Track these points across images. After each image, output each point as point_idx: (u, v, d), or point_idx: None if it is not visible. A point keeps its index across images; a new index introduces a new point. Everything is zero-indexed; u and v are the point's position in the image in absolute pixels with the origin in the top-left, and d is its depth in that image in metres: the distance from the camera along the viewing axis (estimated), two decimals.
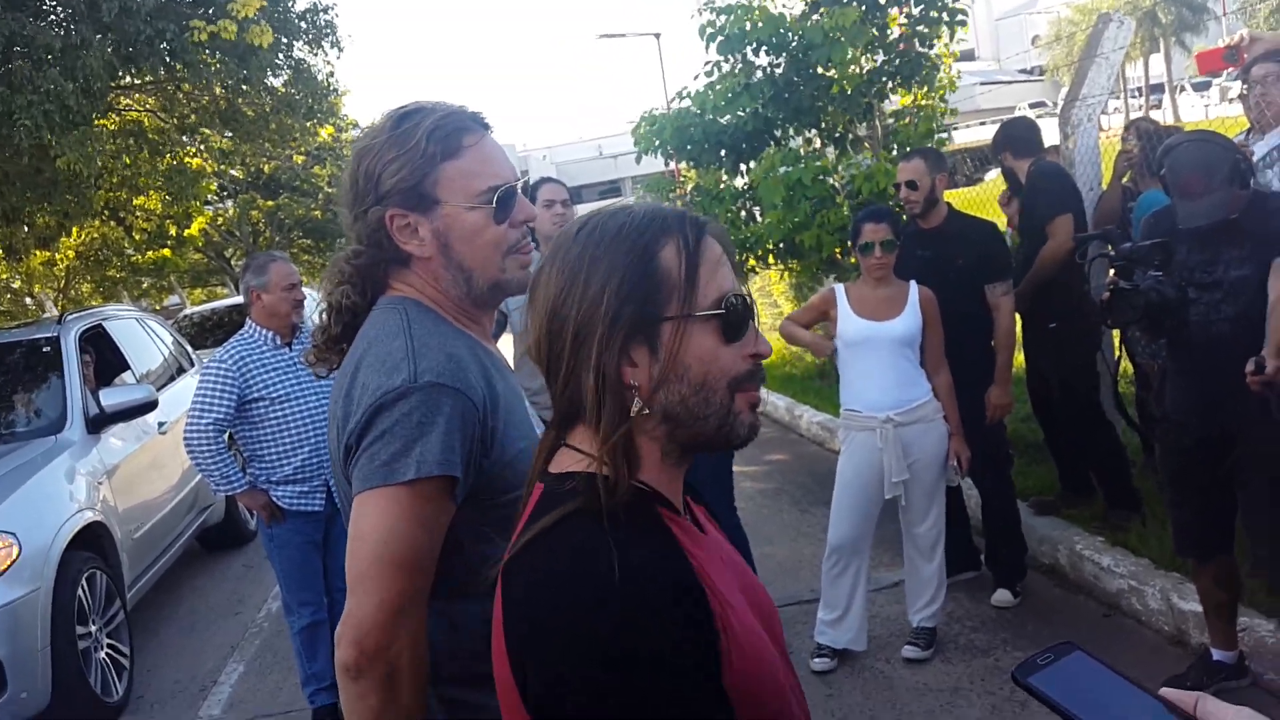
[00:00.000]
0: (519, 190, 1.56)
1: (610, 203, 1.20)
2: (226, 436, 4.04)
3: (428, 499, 1.38)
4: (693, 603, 1.00)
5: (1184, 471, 3.19)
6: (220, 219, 22.14)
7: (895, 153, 6.75)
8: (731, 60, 7.32)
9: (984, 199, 10.11)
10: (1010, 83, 45.32)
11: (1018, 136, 4.79)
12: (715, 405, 1.10)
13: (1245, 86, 3.82)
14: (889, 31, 6.96)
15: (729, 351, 1.10)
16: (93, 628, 4.63)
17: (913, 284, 3.89)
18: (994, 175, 20.23)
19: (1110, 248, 3.51)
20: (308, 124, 13.29)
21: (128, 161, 10.67)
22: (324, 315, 1.59)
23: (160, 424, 6.18)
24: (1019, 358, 4.96)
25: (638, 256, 1.09)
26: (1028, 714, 3.41)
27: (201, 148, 13.41)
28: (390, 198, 1.50)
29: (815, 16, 6.84)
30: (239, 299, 14.48)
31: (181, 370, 7.36)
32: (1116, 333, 4.75)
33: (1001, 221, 5.45)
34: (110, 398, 5.54)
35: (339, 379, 1.52)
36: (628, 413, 1.09)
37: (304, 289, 4.27)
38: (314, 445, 4.02)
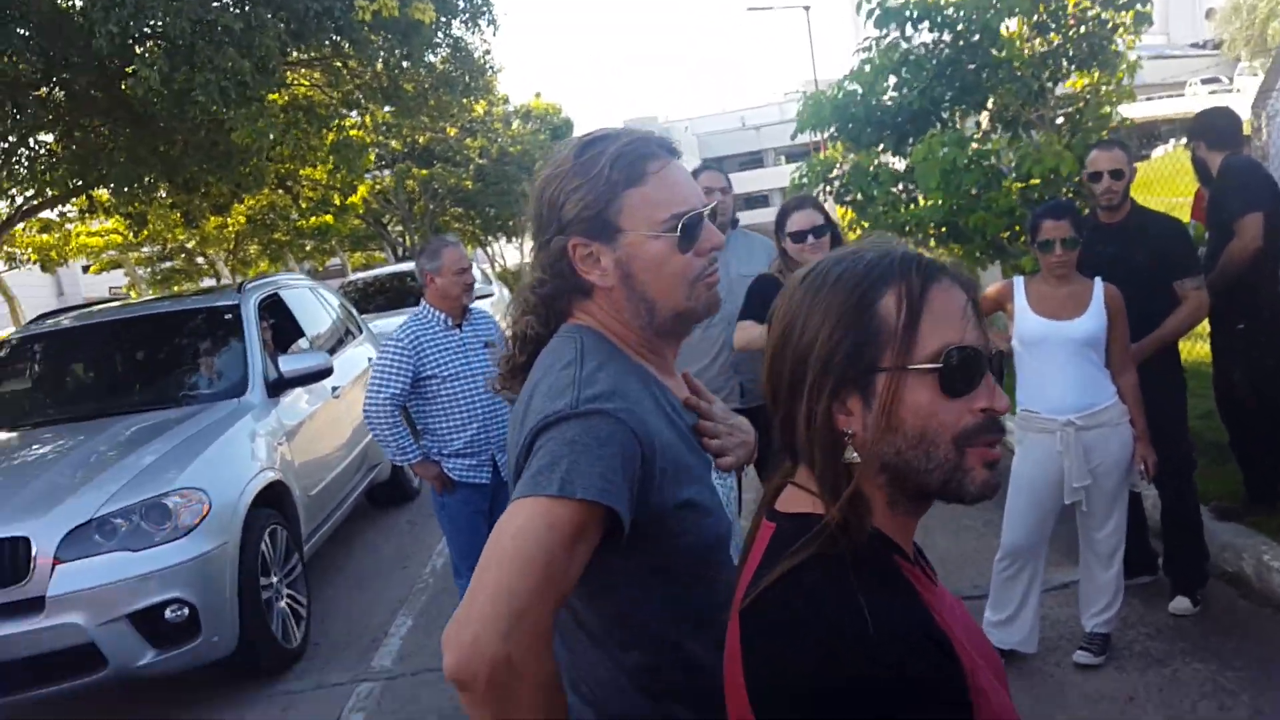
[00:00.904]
0: (705, 216, 1.49)
1: (843, 249, 1.18)
2: (403, 410, 4.22)
3: (573, 519, 1.27)
4: (941, 653, 1.00)
5: None
6: (378, 187, 23.01)
7: (1070, 137, 6.47)
8: (890, 34, 7.12)
9: (1151, 178, 9.62)
10: (1181, 56, 42.84)
11: (1216, 127, 4.52)
12: (939, 460, 1.07)
13: None
14: (1064, 15, 6.65)
15: (952, 406, 1.07)
16: (274, 579, 4.92)
17: (1097, 281, 3.71)
18: (1161, 152, 19.23)
19: None
20: (464, 100, 13.67)
21: (297, 135, 11.18)
22: (509, 343, 1.59)
23: (334, 388, 6.47)
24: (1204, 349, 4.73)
25: (854, 304, 1.08)
26: None
27: (365, 121, 13.93)
28: (573, 226, 1.46)
29: None
30: (399, 266, 15.08)
31: (350, 334, 7.69)
32: None
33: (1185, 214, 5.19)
34: (288, 364, 5.82)
35: (516, 407, 1.50)
36: (841, 459, 1.08)
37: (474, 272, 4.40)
38: (483, 422, 4.19)
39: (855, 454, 1.08)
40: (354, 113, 13.77)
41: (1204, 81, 33.91)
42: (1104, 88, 6.65)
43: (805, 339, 1.09)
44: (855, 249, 1.15)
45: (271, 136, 9.91)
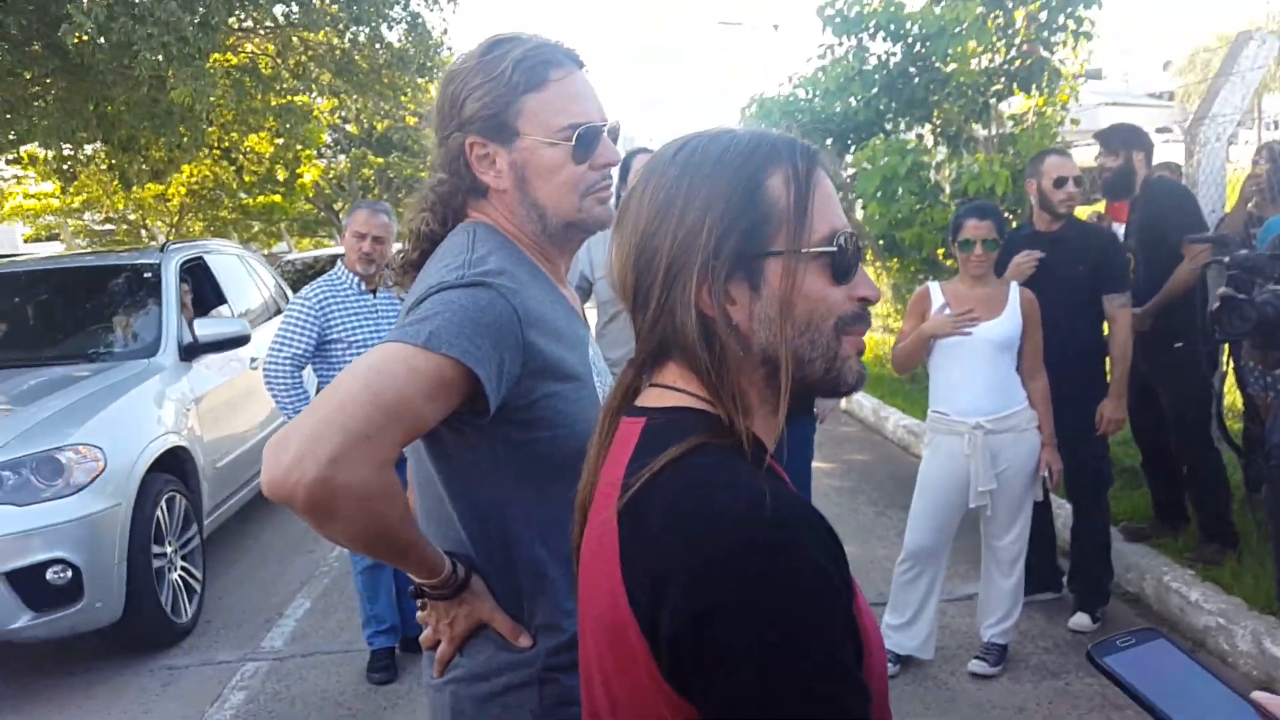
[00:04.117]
0: (605, 132, 1.50)
1: (709, 129, 1.08)
2: (305, 373, 4.07)
3: (436, 370, 1.26)
4: (833, 539, 0.92)
5: None
6: (332, 172, 22.61)
7: (1010, 156, 6.51)
8: (846, 44, 7.16)
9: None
10: (1136, 105, 43.73)
11: (1146, 136, 4.56)
12: (821, 348, 1.01)
13: None
14: (1013, 31, 6.71)
15: (837, 292, 1.01)
16: (168, 548, 4.73)
17: (1013, 284, 3.72)
18: None
19: (1227, 257, 3.30)
20: (419, 80, 13.46)
21: (237, 97, 10.88)
22: (405, 241, 1.57)
23: (253, 360, 6.30)
24: None
25: (744, 183, 0.99)
26: None
27: (312, 88, 13.60)
28: (471, 125, 1.46)
29: (937, 9, 6.65)
30: (340, 249, 14.82)
31: (280, 311, 7.51)
32: (1228, 356, 4.52)
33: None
34: (204, 328, 5.64)
35: (408, 299, 1.48)
36: (731, 352, 0.99)
37: (387, 247, 4.17)
38: None
39: (744, 348, 1.00)
40: (305, 84, 13.46)
41: (1158, 130, 34.67)
42: (1048, 109, 6.70)
43: (689, 221, 0.99)
44: (723, 128, 1.07)
45: (211, 97, 9.61)
